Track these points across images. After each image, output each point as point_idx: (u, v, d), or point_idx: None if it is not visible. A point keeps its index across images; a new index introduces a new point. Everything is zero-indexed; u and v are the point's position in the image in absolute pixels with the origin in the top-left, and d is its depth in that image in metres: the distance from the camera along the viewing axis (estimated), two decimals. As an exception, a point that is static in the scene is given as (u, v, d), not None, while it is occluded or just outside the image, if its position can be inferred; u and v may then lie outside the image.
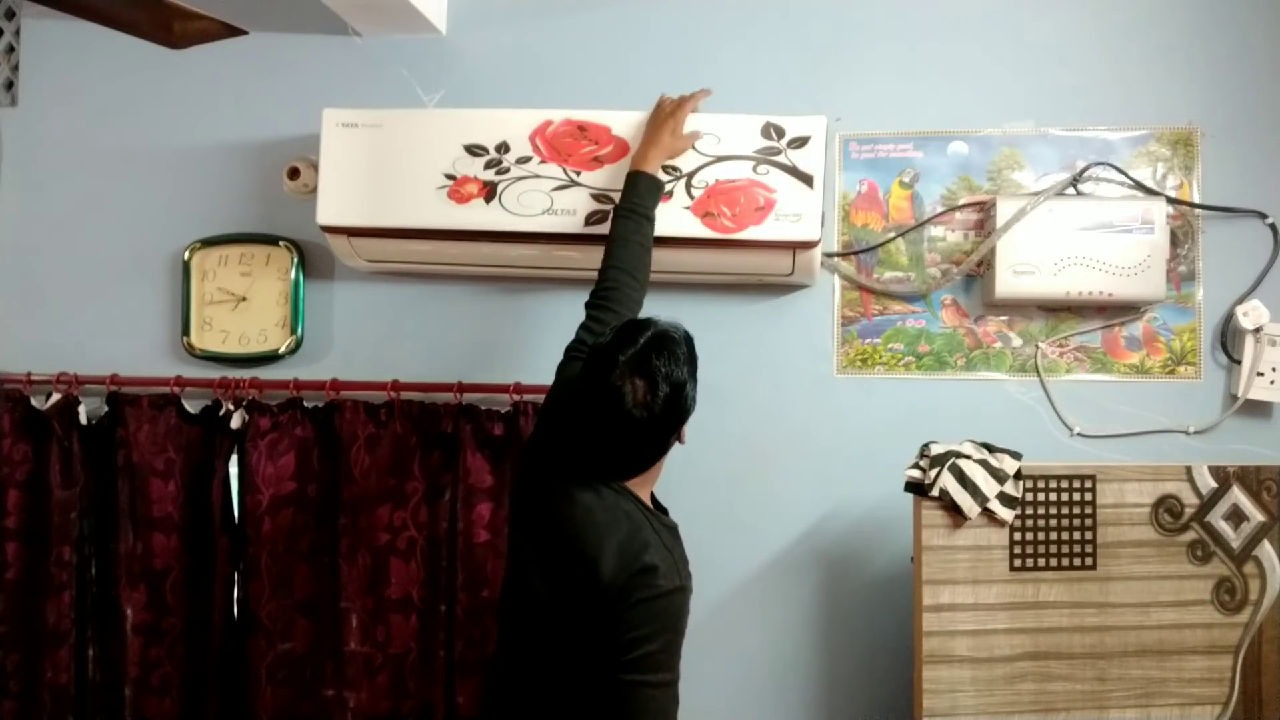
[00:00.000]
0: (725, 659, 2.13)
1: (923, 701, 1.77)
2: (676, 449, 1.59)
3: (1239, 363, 2.05)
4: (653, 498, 1.64)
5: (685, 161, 1.96)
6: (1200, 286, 2.08)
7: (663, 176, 1.92)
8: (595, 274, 1.81)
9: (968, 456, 1.80)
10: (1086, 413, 2.08)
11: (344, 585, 2.11)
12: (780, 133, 1.95)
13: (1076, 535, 1.80)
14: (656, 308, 2.11)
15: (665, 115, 1.94)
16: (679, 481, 2.11)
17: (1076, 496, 1.81)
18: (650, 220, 1.84)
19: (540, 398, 2.07)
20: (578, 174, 1.97)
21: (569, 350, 1.71)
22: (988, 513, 1.78)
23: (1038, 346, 2.10)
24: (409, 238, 2.02)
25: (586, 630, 1.48)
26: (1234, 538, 1.82)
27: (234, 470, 2.18)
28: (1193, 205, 2.07)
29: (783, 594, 2.13)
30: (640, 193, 1.84)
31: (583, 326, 1.72)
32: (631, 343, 1.50)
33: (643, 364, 1.48)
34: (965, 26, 2.14)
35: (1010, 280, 2.01)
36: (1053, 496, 1.81)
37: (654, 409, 1.48)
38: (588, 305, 1.75)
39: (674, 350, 1.52)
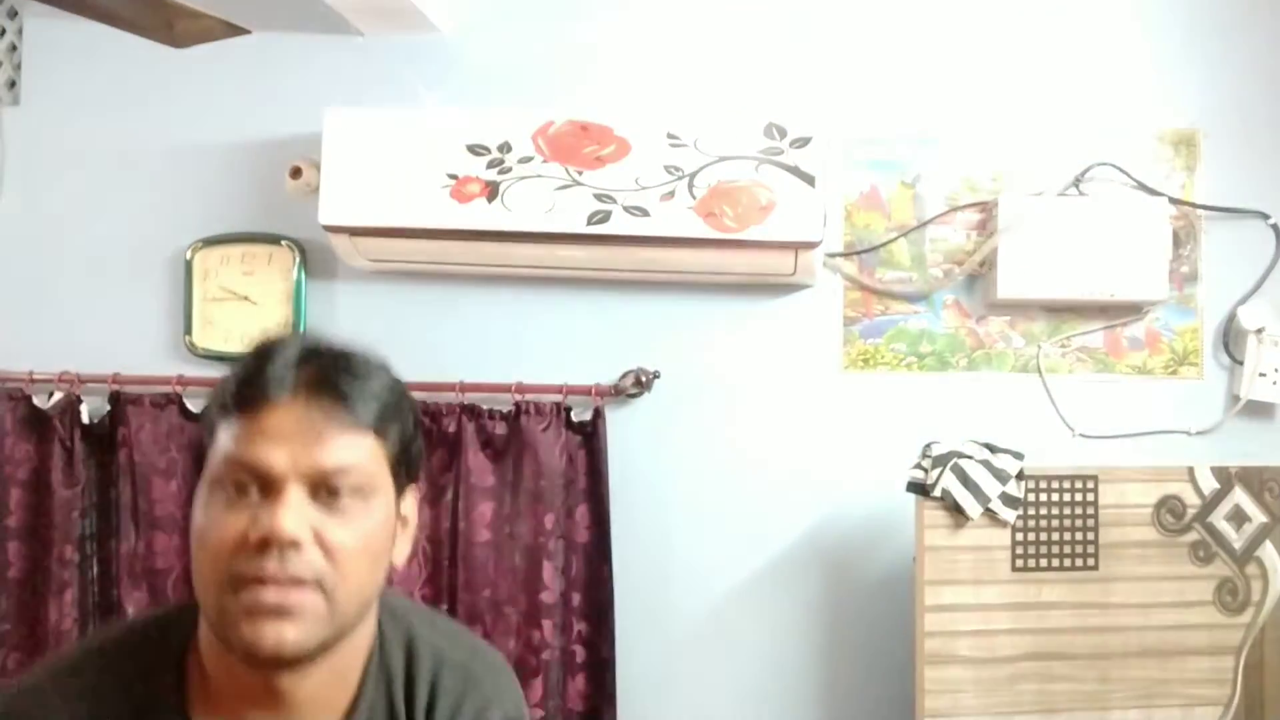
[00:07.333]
0: (725, 659, 2.13)
1: (924, 702, 1.77)
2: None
3: (1241, 363, 2.05)
4: None
5: (687, 161, 1.96)
6: (1202, 287, 2.08)
7: (665, 176, 1.92)
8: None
9: (970, 457, 1.80)
10: (1088, 413, 2.08)
11: (345, 585, 2.10)
12: (782, 133, 1.95)
13: (1078, 536, 1.80)
14: (659, 308, 2.14)
15: None
16: (680, 481, 2.12)
17: (1078, 497, 1.81)
18: None
19: (541, 397, 2.08)
20: (580, 174, 1.97)
21: None
22: (989, 513, 1.78)
23: (1039, 347, 2.10)
24: (411, 237, 2.01)
25: None
26: (1236, 538, 1.82)
27: (236, 470, 2.18)
28: (1195, 206, 2.07)
29: (783, 594, 2.13)
30: None
31: None
32: None
33: None
34: (966, 26, 2.13)
35: (1012, 280, 2.01)
36: (1055, 497, 1.81)
37: None
38: None
39: None
